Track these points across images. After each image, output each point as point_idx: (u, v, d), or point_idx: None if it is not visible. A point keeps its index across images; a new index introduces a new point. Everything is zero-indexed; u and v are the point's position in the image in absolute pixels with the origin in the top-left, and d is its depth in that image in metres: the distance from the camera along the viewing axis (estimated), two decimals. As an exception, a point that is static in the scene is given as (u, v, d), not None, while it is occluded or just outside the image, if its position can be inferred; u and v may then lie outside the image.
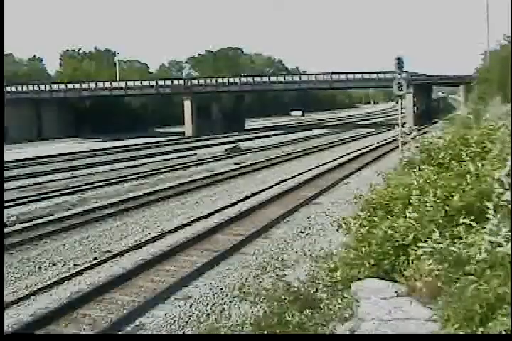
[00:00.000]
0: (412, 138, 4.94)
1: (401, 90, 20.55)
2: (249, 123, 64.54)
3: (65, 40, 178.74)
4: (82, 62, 75.55)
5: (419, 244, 2.86)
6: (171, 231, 12.75)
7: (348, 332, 3.15)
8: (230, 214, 14.23)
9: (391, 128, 44.77)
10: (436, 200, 3.68)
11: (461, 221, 3.32)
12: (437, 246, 2.77)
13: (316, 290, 4.77)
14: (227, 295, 8.50)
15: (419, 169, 4.47)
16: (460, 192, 3.68)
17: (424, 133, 24.58)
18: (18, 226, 13.56)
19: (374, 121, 71.07)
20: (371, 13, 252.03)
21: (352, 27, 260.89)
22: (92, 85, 55.15)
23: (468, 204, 3.53)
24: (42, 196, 18.06)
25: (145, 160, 29.41)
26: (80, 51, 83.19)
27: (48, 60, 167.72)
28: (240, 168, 24.73)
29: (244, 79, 57.13)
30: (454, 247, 2.73)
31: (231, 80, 55.44)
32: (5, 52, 57.83)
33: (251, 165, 25.62)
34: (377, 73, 51.37)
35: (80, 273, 9.93)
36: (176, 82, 56.79)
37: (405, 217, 3.67)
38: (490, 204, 2.82)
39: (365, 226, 3.95)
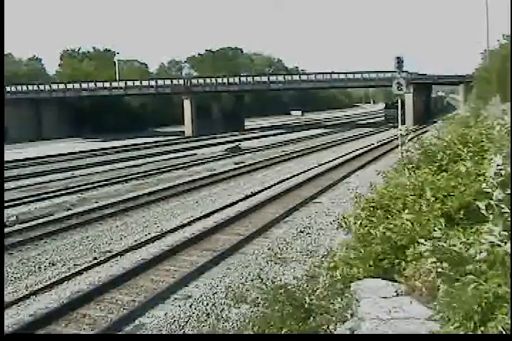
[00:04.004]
0: (409, 140, 4.94)
1: (401, 90, 20.57)
2: (248, 123, 64.50)
3: (65, 40, 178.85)
4: (82, 62, 75.41)
5: (421, 241, 2.86)
6: (170, 231, 12.76)
7: (348, 332, 3.15)
8: (230, 213, 14.23)
9: (388, 128, 44.98)
10: (434, 200, 3.69)
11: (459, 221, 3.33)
12: (437, 244, 2.77)
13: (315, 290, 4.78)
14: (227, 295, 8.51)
15: (418, 169, 4.47)
16: (458, 192, 3.68)
17: (424, 133, 24.61)
18: (18, 226, 13.57)
19: (372, 120, 70.95)
20: (371, 13, 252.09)
21: (352, 27, 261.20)
22: (92, 85, 55.09)
23: (466, 204, 3.54)
24: (42, 196, 18.06)
25: (145, 160, 29.41)
26: (80, 51, 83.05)
27: (48, 60, 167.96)
28: (240, 167, 24.73)
29: (243, 79, 57.04)
30: (454, 246, 2.73)
31: (231, 80, 55.37)
32: (5, 52, 57.71)
33: (251, 164, 25.62)
34: (376, 72, 51.34)
35: (80, 273, 9.94)
36: (175, 81, 56.69)
37: (403, 218, 3.67)
38: (481, 204, 2.83)
39: (365, 226, 3.95)
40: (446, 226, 3.21)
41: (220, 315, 7.67)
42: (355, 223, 4.12)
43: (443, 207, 3.63)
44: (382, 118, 60.69)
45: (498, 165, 2.74)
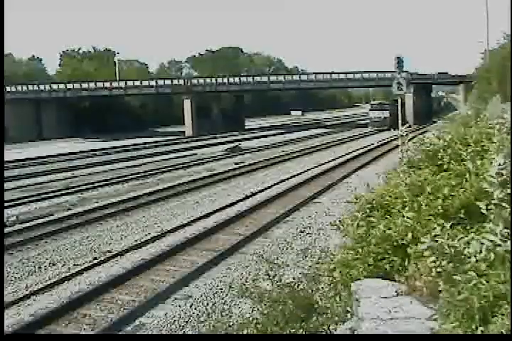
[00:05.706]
0: (410, 139, 4.94)
1: (401, 90, 20.59)
2: (248, 123, 64.51)
3: (65, 40, 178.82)
4: (82, 62, 75.40)
5: (422, 240, 2.86)
6: (171, 231, 12.76)
7: (348, 332, 3.15)
8: (230, 213, 14.23)
9: (387, 128, 44.95)
10: (434, 199, 3.68)
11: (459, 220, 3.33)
12: (438, 242, 2.77)
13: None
14: (227, 294, 8.51)
15: (418, 169, 4.47)
16: (458, 191, 3.67)
17: (424, 132, 24.61)
18: (18, 226, 13.57)
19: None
20: (371, 13, 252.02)
21: (352, 27, 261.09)
22: (92, 85, 55.12)
23: (466, 203, 3.53)
24: (42, 196, 18.07)
25: (145, 160, 29.41)
26: (80, 51, 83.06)
27: (48, 60, 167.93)
28: (240, 167, 24.73)
29: (244, 79, 57.14)
30: (454, 245, 2.73)
31: (231, 80, 55.46)
32: (5, 52, 57.66)
33: (251, 164, 25.62)
34: (377, 72, 51.35)
35: (80, 273, 9.94)
36: (175, 81, 56.76)
37: (404, 216, 3.67)
38: (482, 204, 2.83)
39: (363, 227, 3.94)
40: (446, 225, 3.21)
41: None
42: (352, 224, 4.10)
43: (443, 205, 3.62)
44: (367, 122, 53.78)
45: (499, 165, 2.74)
